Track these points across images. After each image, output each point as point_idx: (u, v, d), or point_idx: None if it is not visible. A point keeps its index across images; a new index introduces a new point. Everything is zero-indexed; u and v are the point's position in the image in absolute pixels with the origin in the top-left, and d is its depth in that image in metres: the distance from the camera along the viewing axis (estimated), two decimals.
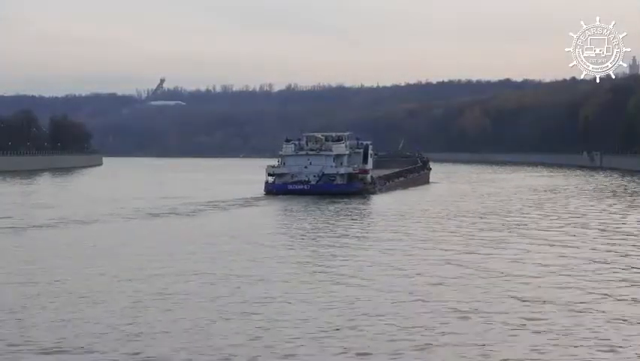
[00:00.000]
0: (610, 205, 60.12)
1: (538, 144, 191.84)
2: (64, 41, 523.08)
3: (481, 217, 49.99)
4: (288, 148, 77.55)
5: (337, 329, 19.59)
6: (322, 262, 31.06)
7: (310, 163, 75.54)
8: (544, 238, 38.64)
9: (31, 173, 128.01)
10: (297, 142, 78.89)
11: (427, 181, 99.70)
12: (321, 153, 76.72)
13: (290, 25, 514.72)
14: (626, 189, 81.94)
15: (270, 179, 74.98)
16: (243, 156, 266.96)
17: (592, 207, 58.18)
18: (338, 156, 76.75)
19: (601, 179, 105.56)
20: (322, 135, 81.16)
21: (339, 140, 79.71)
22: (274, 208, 59.75)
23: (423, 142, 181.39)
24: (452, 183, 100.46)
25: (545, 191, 78.56)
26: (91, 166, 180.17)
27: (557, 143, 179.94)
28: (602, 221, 47.71)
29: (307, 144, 78.22)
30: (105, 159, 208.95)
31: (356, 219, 50.39)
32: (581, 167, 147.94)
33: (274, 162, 79.77)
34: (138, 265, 30.06)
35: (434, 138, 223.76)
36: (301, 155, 76.52)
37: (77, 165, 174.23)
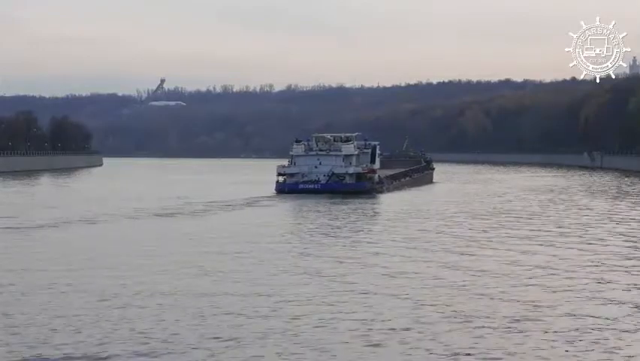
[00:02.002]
0: (615, 205, 60.67)
1: (538, 144, 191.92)
2: (65, 41, 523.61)
3: (493, 218, 50.35)
4: (298, 148, 79.26)
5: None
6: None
7: (320, 163, 77.19)
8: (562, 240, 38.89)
9: (31, 173, 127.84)
10: (306, 142, 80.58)
11: (430, 181, 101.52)
12: (331, 153, 78.43)
13: (290, 25, 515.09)
14: (632, 190, 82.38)
15: (281, 178, 76.62)
16: (244, 157, 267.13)
17: (600, 207, 58.80)
18: (347, 156, 78.35)
19: (603, 179, 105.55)
20: (331, 136, 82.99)
21: (347, 140, 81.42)
22: (288, 207, 60.96)
23: (423, 142, 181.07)
24: (455, 183, 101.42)
25: (549, 191, 79.02)
26: (91, 167, 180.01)
27: (558, 143, 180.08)
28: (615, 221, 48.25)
29: (317, 145, 79.90)
30: (105, 160, 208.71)
31: (371, 218, 51.71)
32: (582, 167, 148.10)
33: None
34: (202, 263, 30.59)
35: (434, 138, 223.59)
36: (311, 155, 78.23)
37: (77, 165, 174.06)
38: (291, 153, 79.68)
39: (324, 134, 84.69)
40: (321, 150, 78.76)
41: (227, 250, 34.11)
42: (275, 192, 73.87)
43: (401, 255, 32.83)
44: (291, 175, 76.47)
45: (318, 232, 42.62)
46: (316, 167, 76.74)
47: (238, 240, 37.84)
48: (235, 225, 46.11)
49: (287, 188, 73.85)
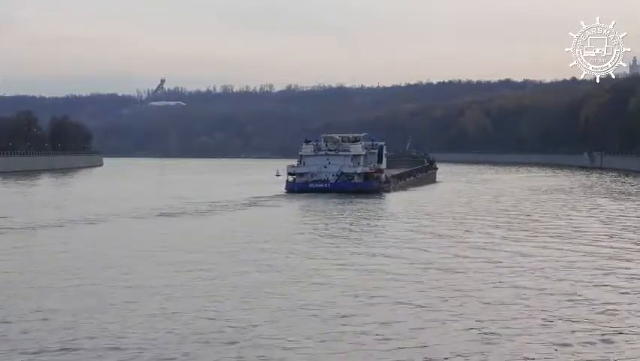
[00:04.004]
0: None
1: (538, 145, 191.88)
2: (65, 42, 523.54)
3: (507, 220, 50.24)
4: (308, 148, 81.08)
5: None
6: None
7: (329, 163, 78.84)
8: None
9: (31, 173, 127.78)
10: (315, 143, 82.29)
11: (433, 180, 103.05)
12: (340, 153, 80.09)
13: (290, 25, 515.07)
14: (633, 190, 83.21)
15: (291, 178, 78.25)
16: (244, 157, 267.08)
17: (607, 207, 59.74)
18: (355, 156, 79.98)
19: (603, 180, 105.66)
20: (339, 136, 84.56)
21: (355, 141, 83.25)
22: (300, 205, 62.26)
23: (424, 142, 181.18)
24: (458, 182, 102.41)
25: (553, 191, 79.68)
26: (91, 167, 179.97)
27: (558, 143, 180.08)
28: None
29: (326, 145, 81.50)
30: (105, 160, 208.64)
31: (385, 217, 52.62)
32: (582, 167, 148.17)
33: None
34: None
35: (435, 138, 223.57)
36: (320, 155, 79.88)
37: (78, 165, 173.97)
38: (300, 153, 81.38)
39: (333, 135, 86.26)
40: (330, 150, 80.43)
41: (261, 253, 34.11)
42: (285, 191, 75.42)
43: (423, 253, 33.62)
44: (301, 175, 78.06)
45: (342, 230, 43.57)
46: (325, 167, 78.37)
47: (266, 240, 38.26)
48: (257, 224, 46.82)
49: (297, 187, 75.48)
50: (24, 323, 20.10)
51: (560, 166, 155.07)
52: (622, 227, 44.19)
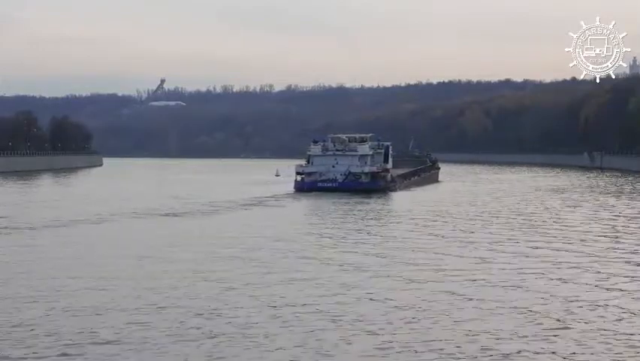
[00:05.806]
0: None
1: (538, 145, 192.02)
2: (65, 42, 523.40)
3: (513, 220, 50.54)
4: (316, 149, 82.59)
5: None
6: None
7: (337, 163, 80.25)
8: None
9: (31, 174, 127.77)
10: (323, 143, 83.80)
11: (436, 180, 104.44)
12: (347, 153, 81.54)
13: (290, 25, 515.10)
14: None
15: (299, 177, 79.77)
16: (244, 157, 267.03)
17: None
18: (362, 156, 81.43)
19: (604, 180, 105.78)
20: (346, 137, 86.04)
21: (362, 141, 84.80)
22: (312, 204, 63.38)
23: (424, 142, 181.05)
24: (460, 182, 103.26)
25: (555, 191, 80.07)
26: (91, 167, 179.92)
27: (558, 143, 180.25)
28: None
29: (333, 145, 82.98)
30: (105, 160, 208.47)
31: (397, 216, 53.38)
32: (582, 167, 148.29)
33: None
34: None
35: (435, 138, 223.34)
36: (328, 155, 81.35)
37: (78, 165, 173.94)
38: (308, 152, 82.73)
39: (340, 135, 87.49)
40: (337, 151, 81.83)
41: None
42: (294, 190, 76.91)
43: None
44: (309, 174, 79.39)
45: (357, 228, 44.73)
46: (333, 166, 79.68)
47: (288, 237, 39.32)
48: (274, 222, 47.87)
49: (306, 186, 76.89)
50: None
51: (560, 166, 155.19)
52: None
